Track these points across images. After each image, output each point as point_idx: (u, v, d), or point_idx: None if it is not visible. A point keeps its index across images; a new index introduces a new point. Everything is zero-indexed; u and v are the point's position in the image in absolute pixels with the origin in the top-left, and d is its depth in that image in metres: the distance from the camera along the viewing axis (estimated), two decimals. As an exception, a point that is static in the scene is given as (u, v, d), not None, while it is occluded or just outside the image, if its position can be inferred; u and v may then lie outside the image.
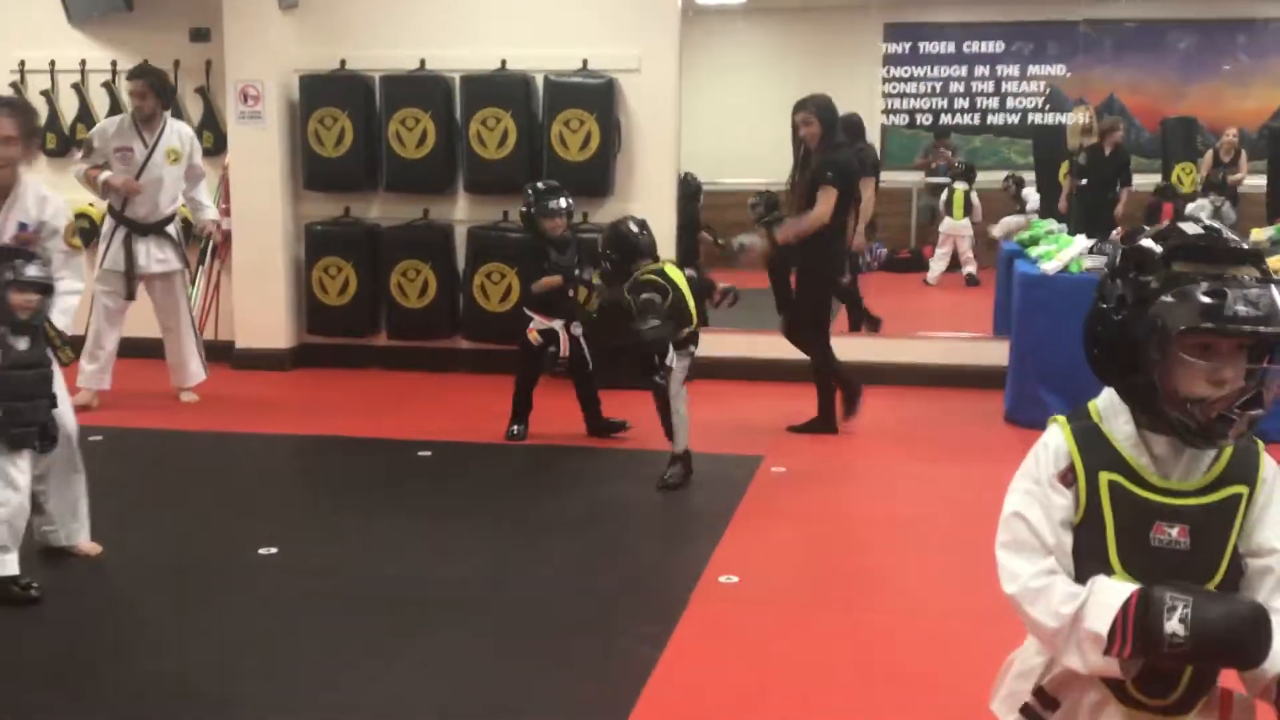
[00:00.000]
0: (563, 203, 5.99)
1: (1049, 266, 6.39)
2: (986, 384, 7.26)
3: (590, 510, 5.05)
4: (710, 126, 9.24)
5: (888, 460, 5.90)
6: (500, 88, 7.59)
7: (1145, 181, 9.68)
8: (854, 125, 7.48)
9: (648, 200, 7.55)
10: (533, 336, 6.04)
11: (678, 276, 5.29)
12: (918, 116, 9.91)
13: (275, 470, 5.89)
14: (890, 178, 9.67)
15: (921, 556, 4.52)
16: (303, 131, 7.81)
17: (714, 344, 6.70)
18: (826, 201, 5.93)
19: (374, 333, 8.04)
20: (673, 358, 5.20)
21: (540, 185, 6.14)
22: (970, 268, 9.85)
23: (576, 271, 5.96)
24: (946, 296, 9.99)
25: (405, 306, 7.84)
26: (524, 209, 6.08)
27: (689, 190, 8.47)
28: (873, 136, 9.37)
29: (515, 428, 6.15)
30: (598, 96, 7.48)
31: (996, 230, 9.34)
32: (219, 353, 7.81)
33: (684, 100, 7.70)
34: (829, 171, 5.93)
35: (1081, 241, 6.54)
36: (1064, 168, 9.38)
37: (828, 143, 5.98)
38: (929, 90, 9.55)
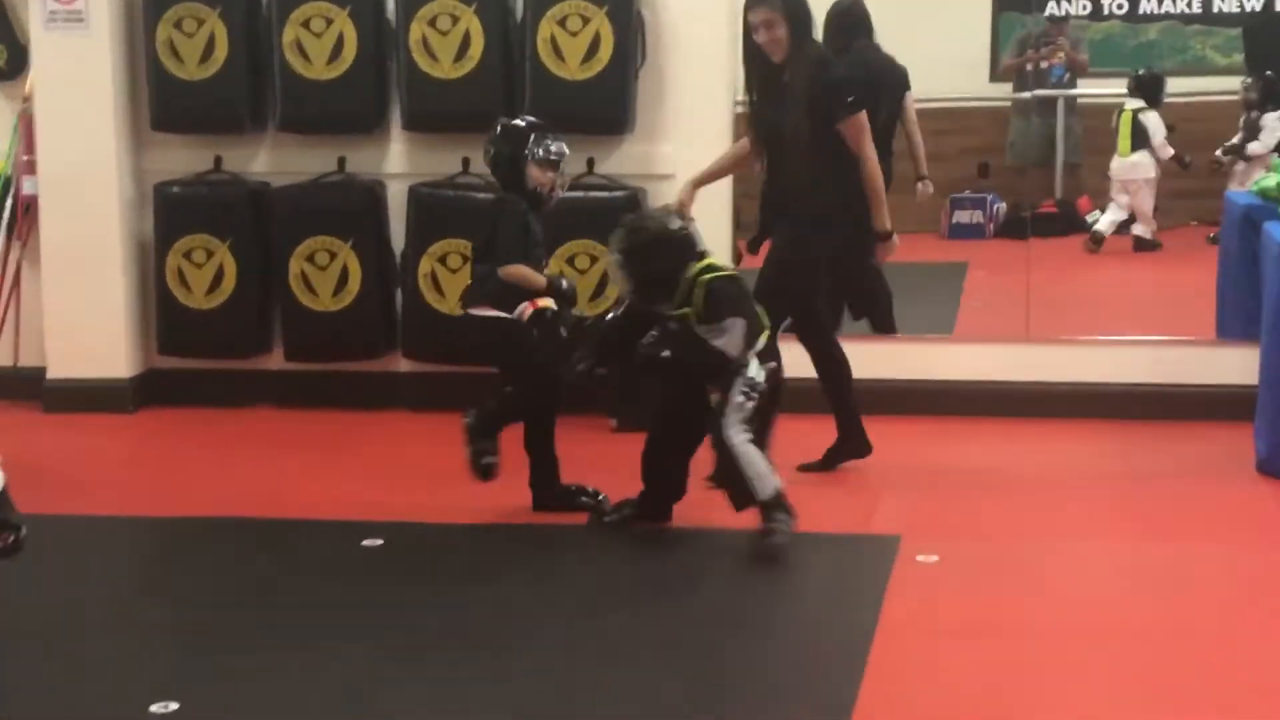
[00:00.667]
0: (563, 147, 6.09)
1: (1326, 232, 6.25)
2: (1210, 414, 7.26)
3: (646, 629, 4.97)
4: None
5: (1089, 540, 5.88)
6: (456, -31, 7.55)
7: None
8: (850, 16, 7.73)
9: (689, 139, 7.46)
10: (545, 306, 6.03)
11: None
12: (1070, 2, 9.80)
13: (144, 574, 5.86)
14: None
15: (1183, 695, 4.39)
16: (149, 41, 7.74)
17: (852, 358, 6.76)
18: (865, 137, 6.29)
19: (264, 352, 7.97)
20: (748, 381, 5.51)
21: (530, 118, 6.30)
22: (1144, 228, 9.78)
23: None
24: (1118, 273, 9.93)
25: (313, 310, 7.77)
26: (500, 148, 6.06)
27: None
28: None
29: (487, 460, 6.16)
30: (609, -20, 7.43)
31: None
32: (22, 386, 7.79)
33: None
34: (848, 93, 6.24)
35: (1373, 194, 6.40)
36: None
37: (803, 50, 6.21)
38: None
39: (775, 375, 5.64)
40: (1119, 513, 6.17)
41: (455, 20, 7.49)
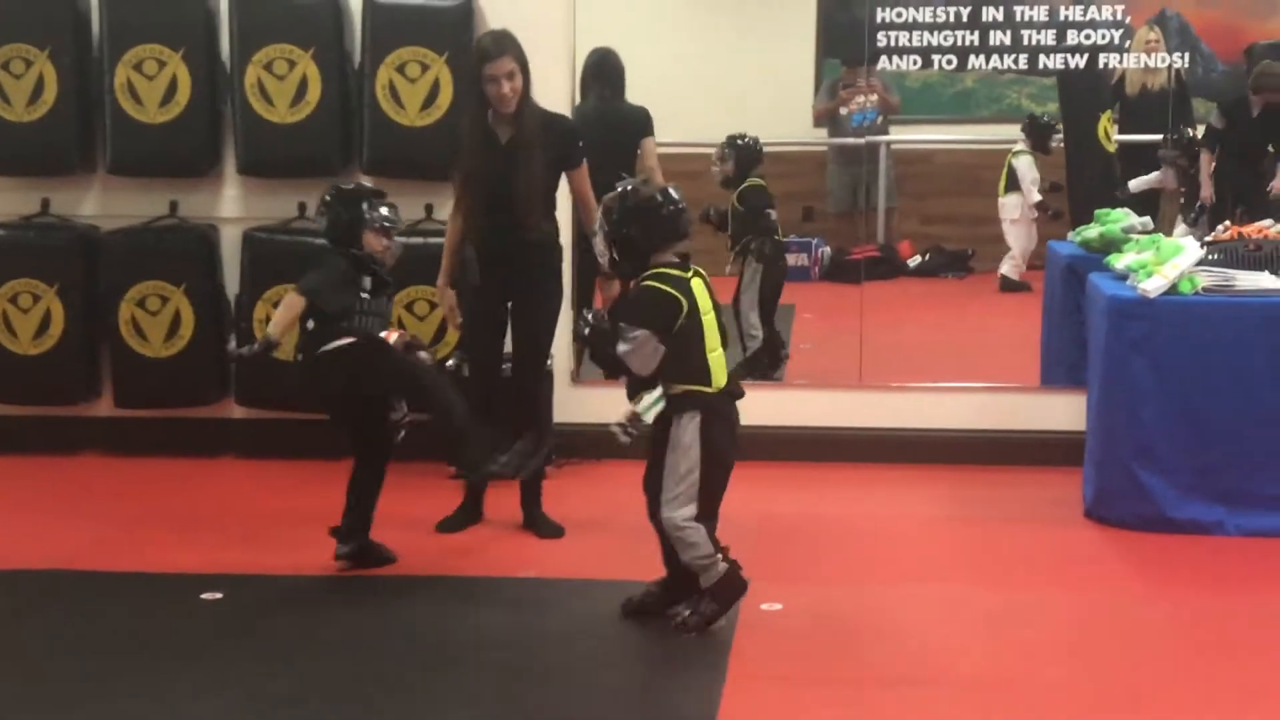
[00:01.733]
0: (396, 214, 6.04)
1: (1150, 285, 6.42)
2: (1039, 460, 7.45)
3: (480, 687, 4.93)
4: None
5: (926, 584, 5.94)
6: (294, 13, 7.51)
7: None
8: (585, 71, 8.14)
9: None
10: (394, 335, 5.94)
11: (701, 295, 5.22)
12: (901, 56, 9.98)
13: None
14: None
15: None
16: None
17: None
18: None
19: (92, 398, 7.87)
20: (650, 407, 5.16)
21: (362, 184, 6.32)
22: (1011, 268, 9.91)
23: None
24: (949, 316, 10.08)
25: (144, 356, 7.66)
26: (336, 214, 5.95)
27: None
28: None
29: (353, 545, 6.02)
30: (448, 27, 7.44)
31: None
32: None
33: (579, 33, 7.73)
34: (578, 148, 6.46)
35: (1193, 248, 6.59)
36: (1105, 120, 9.51)
37: (531, 106, 6.37)
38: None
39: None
40: (953, 557, 6.26)
41: (293, 63, 7.43)
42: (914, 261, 10.44)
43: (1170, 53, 8.76)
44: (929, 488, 7.21)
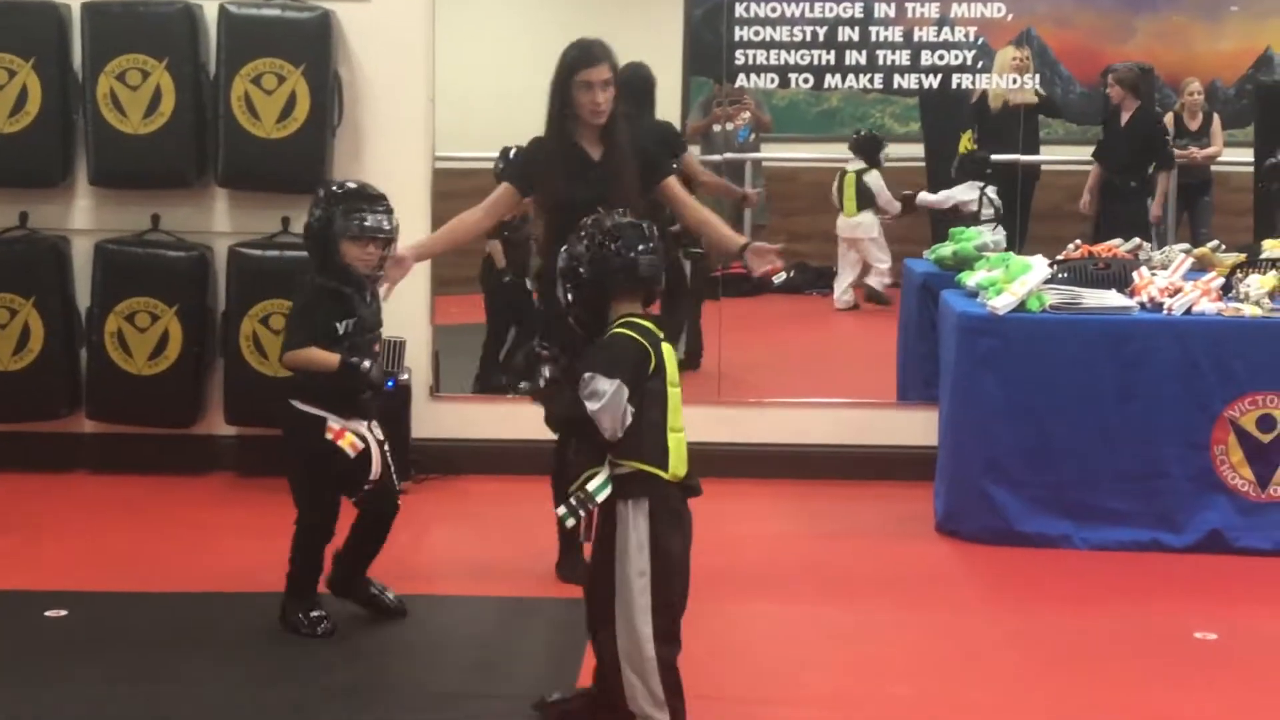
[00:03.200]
0: (384, 220, 5.37)
1: (999, 303, 6.50)
2: (891, 474, 7.52)
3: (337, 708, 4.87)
4: (474, 84, 9.25)
5: (775, 600, 5.98)
6: (147, 23, 7.40)
7: (1074, 156, 10.09)
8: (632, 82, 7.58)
9: (388, 198, 7.36)
10: (349, 444, 5.30)
11: (672, 362, 4.42)
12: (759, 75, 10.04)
13: None
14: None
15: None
16: None
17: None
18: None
19: None
20: (601, 487, 4.30)
21: (351, 184, 5.57)
22: (877, 280, 10.01)
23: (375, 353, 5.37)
24: (811, 333, 10.13)
25: (-6, 369, 7.54)
26: (309, 213, 5.40)
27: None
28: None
29: (318, 613, 5.45)
30: (305, 39, 7.37)
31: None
32: None
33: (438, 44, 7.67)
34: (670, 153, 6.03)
35: (1041, 266, 6.68)
36: (965, 139, 9.65)
37: (622, 119, 5.87)
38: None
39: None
40: (803, 574, 6.29)
41: (146, 74, 7.33)
42: (779, 279, 10.49)
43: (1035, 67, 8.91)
44: (782, 503, 7.26)
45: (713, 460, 7.44)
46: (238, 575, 6.08)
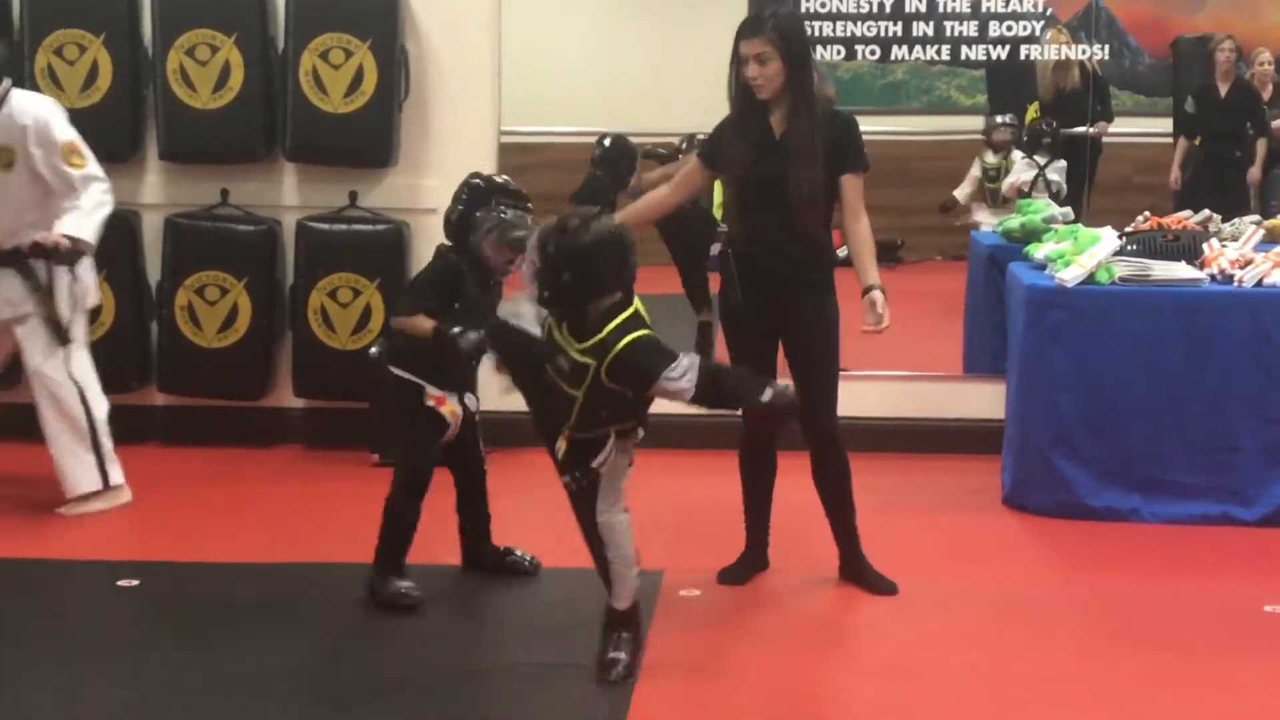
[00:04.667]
0: (520, 228, 5.38)
1: (1068, 275, 6.47)
2: (959, 448, 7.50)
3: (391, 674, 4.91)
4: (538, 57, 9.26)
5: (833, 574, 5.92)
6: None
7: (1143, 128, 10.02)
8: None
9: (454, 172, 7.15)
10: (450, 412, 5.49)
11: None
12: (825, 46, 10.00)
13: None
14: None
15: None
16: None
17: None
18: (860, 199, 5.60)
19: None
20: (609, 447, 4.77)
21: (498, 178, 5.62)
22: None
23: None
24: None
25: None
26: (452, 202, 5.51)
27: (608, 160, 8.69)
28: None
29: (408, 584, 5.47)
30: (372, 13, 7.41)
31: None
32: None
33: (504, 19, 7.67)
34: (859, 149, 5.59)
35: (1110, 237, 6.64)
36: (1031, 112, 9.60)
37: (804, 94, 5.51)
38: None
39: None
40: (873, 545, 6.25)
41: (215, 48, 7.38)
42: (843, 252, 10.44)
43: (1091, 45, 8.84)
44: (852, 476, 7.21)
45: (781, 433, 7.47)
46: (307, 546, 6.15)
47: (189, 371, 7.58)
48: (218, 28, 7.39)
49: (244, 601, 5.57)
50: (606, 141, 8.95)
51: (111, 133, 7.48)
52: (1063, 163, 9.04)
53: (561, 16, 9.89)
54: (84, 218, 6.35)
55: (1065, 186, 8.91)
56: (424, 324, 5.32)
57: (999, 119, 9.62)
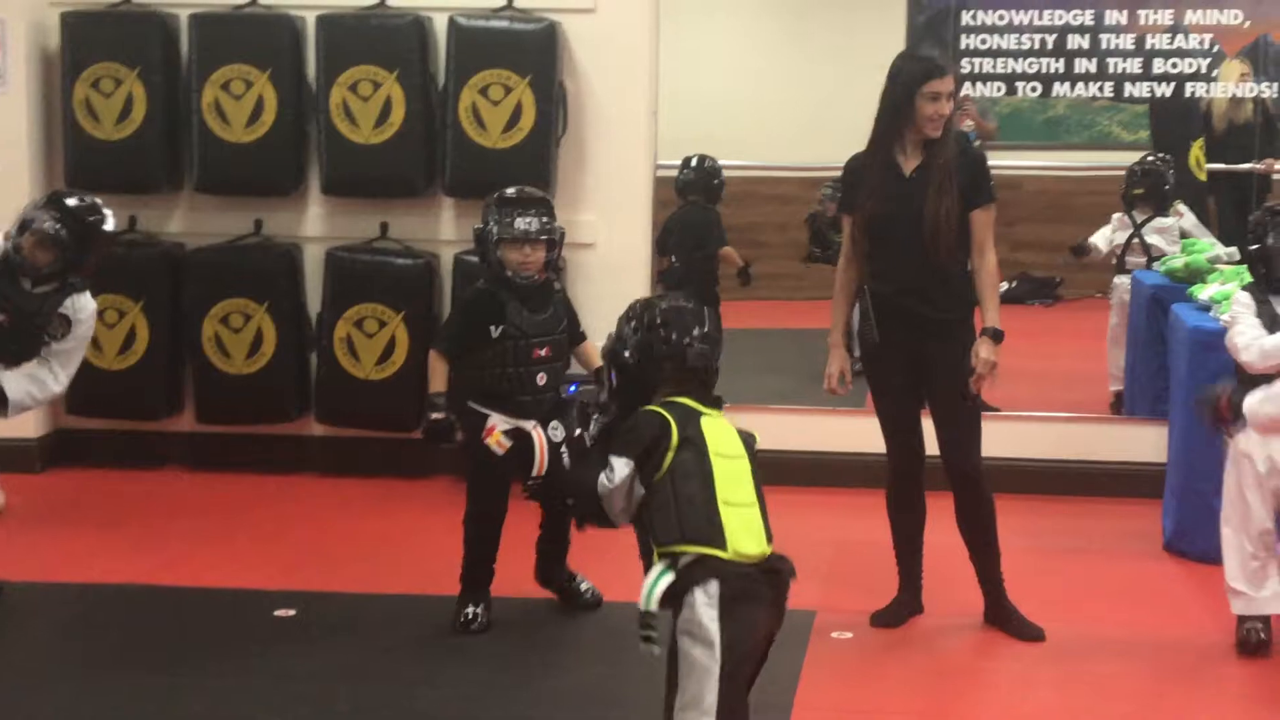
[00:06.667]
0: (534, 222, 5.50)
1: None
2: (1119, 491, 7.38)
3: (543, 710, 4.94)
4: (695, 92, 9.25)
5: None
6: (379, 35, 7.56)
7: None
8: None
9: (609, 207, 7.60)
10: (495, 442, 5.49)
11: (721, 434, 4.00)
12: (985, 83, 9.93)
13: (53, 642, 5.78)
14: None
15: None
16: (65, 99, 7.70)
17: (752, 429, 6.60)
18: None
19: (175, 413, 7.92)
20: (651, 589, 3.82)
21: (509, 191, 5.69)
22: None
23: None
24: (1034, 347, 9.97)
25: (226, 373, 7.74)
26: (478, 231, 5.66)
27: (702, 181, 8.74)
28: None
29: (473, 609, 5.58)
30: (531, 50, 7.46)
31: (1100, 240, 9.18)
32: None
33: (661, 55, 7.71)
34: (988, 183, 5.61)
35: (1278, 279, 6.49)
36: (1195, 149, 9.41)
37: (949, 130, 5.54)
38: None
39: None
40: (1029, 589, 6.17)
41: (377, 85, 7.49)
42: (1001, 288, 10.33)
43: (1259, 82, 8.66)
44: (1005, 518, 7.09)
45: (934, 474, 7.41)
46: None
47: (347, 402, 7.67)
48: (380, 64, 7.49)
49: (399, 631, 5.63)
50: (693, 162, 9.03)
51: (275, 167, 7.67)
52: (1170, 220, 8.68)
53: (716, 52, 9.93)
54: (21, 378, 5.90)
55: (1170, 249, 8.53)
56: (432, 374, 5.53)
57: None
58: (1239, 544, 5.46)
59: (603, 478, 3.91)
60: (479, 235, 5.60)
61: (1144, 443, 7.34)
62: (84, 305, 5.86)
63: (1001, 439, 7.63)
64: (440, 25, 7.56)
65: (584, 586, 5.82)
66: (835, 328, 5.74)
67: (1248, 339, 5.36)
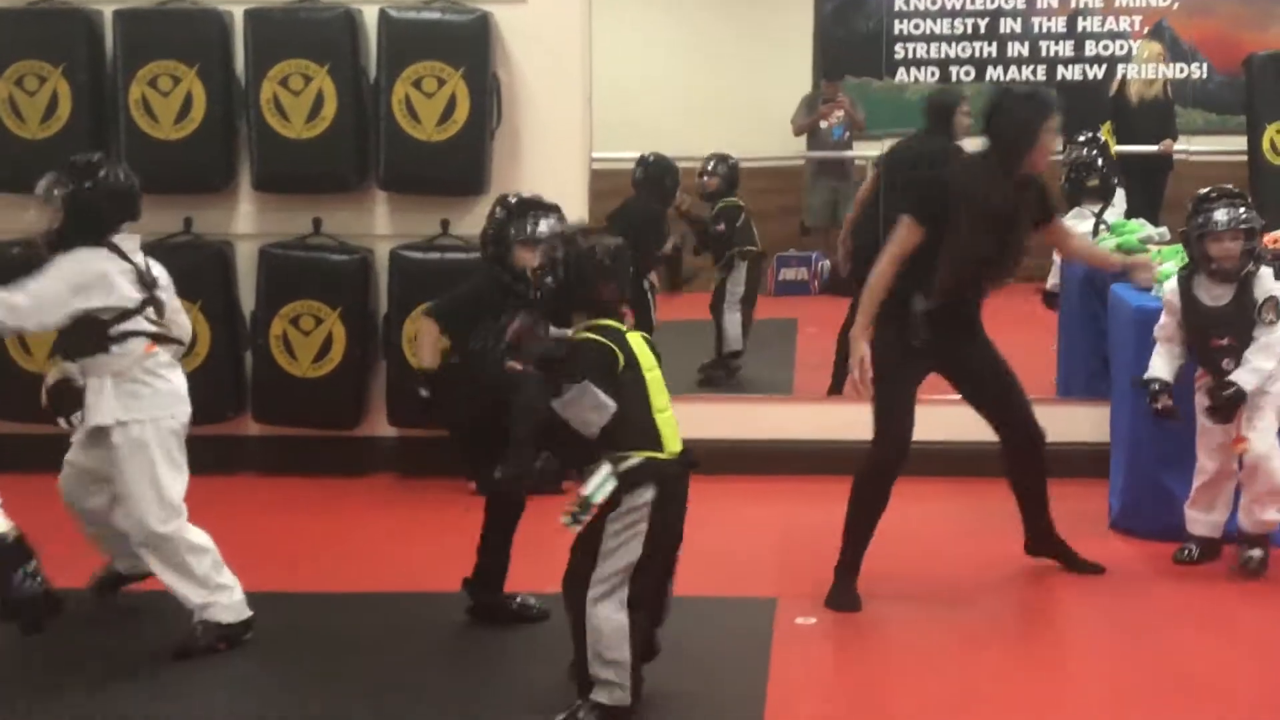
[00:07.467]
0: (544, 226, 5.53)
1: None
2: (1061, 472, 7.26)
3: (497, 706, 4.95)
4: (624, 83, 9.34)
5: (956, 599, 5.97)
6: (309, 28, 7.51)
7: (1216, 147, 9.94)
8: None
9: (546, 198, 7.44)
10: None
11: (642, 352, 4.61)
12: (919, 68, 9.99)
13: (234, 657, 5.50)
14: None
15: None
16: None
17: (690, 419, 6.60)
18: None
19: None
20: (600, 486, 4.43)
21: (525, 195, 5.76)
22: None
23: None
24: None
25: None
26: (487, 221, 5.68)
27: (653, 177, 8.78)
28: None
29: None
30: (464, 42, 7.45)
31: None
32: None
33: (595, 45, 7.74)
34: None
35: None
36: (1105, 130, 9.49)
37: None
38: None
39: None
40: (980, 570, 6.25)
41: (308, 78, 7.42)
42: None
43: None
44: (949, 501, 7.20)
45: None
46: (402, 576, 6.18)
47: (284, 401, 7.62)
48: (311, 57, 7.44)
49: (338, 632, 5.61)
50: (650, 158, 9.01)
51: (205, 164, 7.58)
52: (1119, 204, 8.83)
53: (646, 42, 9.92)
54: None
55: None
56: (422, 347, 5.64)
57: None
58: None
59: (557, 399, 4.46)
60: (492, 236, 5.57)
61: (1083, 422, 7.38)
62: None
63: (941, 422, 7.67)
64: (371, 17, 7.52)
65: (530, 602, 5.66)
66: (866, 324, 5.79)
67: None
